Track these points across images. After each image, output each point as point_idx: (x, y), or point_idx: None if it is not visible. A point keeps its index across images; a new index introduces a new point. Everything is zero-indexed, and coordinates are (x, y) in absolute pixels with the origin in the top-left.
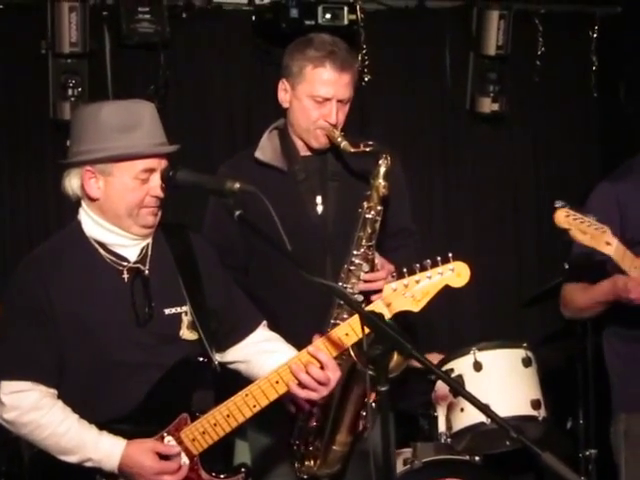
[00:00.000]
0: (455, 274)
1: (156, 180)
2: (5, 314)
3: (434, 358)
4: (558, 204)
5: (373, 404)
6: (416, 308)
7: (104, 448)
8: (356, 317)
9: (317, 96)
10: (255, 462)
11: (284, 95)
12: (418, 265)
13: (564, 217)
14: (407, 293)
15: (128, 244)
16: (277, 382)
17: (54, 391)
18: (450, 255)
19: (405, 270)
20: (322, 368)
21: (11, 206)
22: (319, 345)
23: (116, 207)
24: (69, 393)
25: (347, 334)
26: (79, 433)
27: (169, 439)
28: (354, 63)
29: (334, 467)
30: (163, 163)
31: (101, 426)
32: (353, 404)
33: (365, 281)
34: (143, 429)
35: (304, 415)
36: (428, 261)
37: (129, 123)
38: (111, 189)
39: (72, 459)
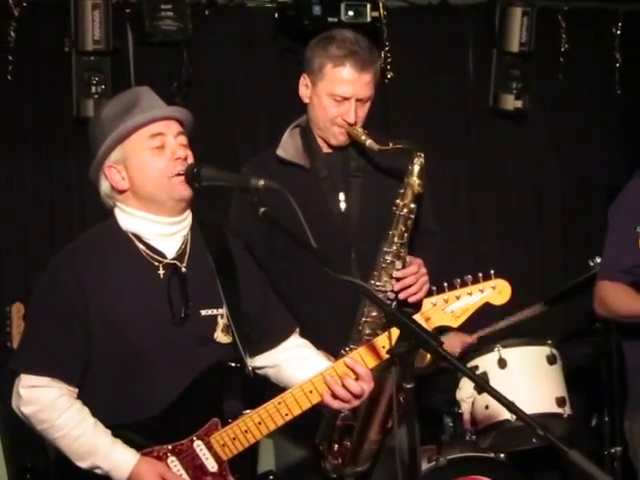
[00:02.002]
0: (496, 292)
1: (172, 142)
2: (35, 306)
3: (458, 338)
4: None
5: (401, 400)
6: (455, 324)
7: (115, 459)
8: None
9: (336, 95)
10: (280, 460)
11: (305, 90)
12: (459, 280)
13: None
14: (447, 308)
15: (166, 232)
16: (311, 392)
17: (74, 389)
18: (492, 272)
19: (445, 285)
20: (357, 379)
21: (34, 204)
22: (357, 357)
23: (145, 187)
24: (94, 391)
25: (384, 347)
26: (92, 439)
27: (198, 443)
28: (375, 61)
29: (364, 465)
30: (173, 126)
31: (127, 427)
32: (385, 402)
33: (397, 278)
34: (172, 432)
35: (331, 414)
36: (469, 277)
37: (126, 106)
38: (133, 171)
39: (82, 464)
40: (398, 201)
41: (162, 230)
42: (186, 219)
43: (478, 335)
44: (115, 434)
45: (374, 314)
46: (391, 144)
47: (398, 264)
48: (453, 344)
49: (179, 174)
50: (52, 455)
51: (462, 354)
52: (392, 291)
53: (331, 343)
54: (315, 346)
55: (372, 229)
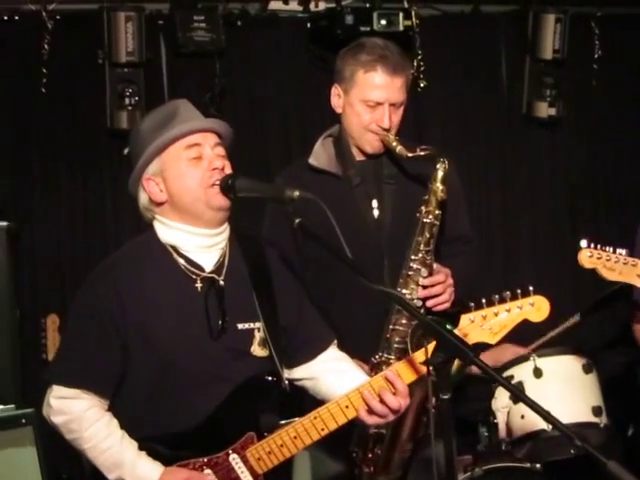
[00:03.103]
0: (535, 308)
1: (208, 153)
2: (73, 320)
3: (508, 349)
4: (583, 244)
5: (433, 410)
6: (492, 341)
7: (141, 472)
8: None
9: (369, 100)
10: (315, 469)
11: (337, 100)
12: (497, 297)
13: (587, 257)
14: (485, 325)
15: (205, 244)
16: (347, 407)
17: (105, 402)
18: (531, 289)
19: (484, 301)
20: (394, 394)
21: (68, 215)
22: (396, 371)
23: (182, 197)
24: (127, 403)
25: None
26: (119, 452)
27: (234, 456)
28: (407, 66)
29: (395, 474)
30: (210, 137)
31: (158, 440)
32: (414, 410)
33: (424, 286)
34: (208, 445)
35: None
36: (507, 293)
37: (164, 119)
38: (171, 183)
39: (110, 476)
40: (422, 208)
41: (201, 242)
42: (224, 232)
43: (532, 347)
44: (145, 447)
45: (403, 322)
46: (418, 150)
47: (424, 271)
48: (506, 355)
49: (215, 184)
50: (86, 465)
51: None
52: (418, 299)
53: (364, 350)
54: (348, 353)
55: (405, 236)
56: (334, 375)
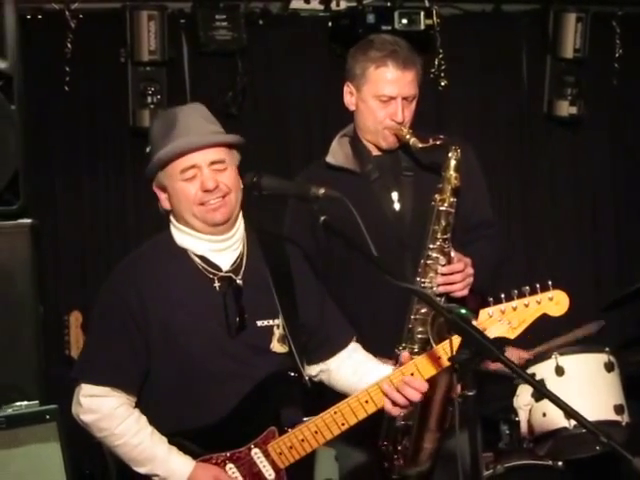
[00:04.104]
0: (553, 303)
1: (204, 173)
2: (96, 317)
3: (514, 353)
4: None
5: (459, 400)
6: (512, 335)
7: (173, 466)
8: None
9: (382, 95)
10: (343, 465)
11: (350, 98)
12: (516, 291)
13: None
14: (503, 320)
15: (216, 248)
16: (367, 402)
17: (133, 398)
18: (549, 283)
19: (502, 296)
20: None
21: (91, 213)
22: (413, 368)
23: (180, 211)
24: (152, 400)
25: (440, 357)
26: (151, 447)
27: (256, 451)
28: (416, 60)
29: (425, 465)
30: (208, 154)
31: (183, 435)
32: (440, 400)
33: (442, 274)
34: (230, 440)
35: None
36: (526, 288)
37: (164, 130)
38: (172, 196)
39: (141, 470)
40: (436, 196)
41: (211, 247)
42: (235, 234)
43: (535, 352)
44: (171, 442)
45: (423, 311)
46: (431, 140)
47: (442, 260)
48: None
49: (202, 204)
50: (111, 462)
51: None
52: (438, 286)
53: (390, 343)
54: (374, 348)
55: (426, 227)
56: (350, 367)
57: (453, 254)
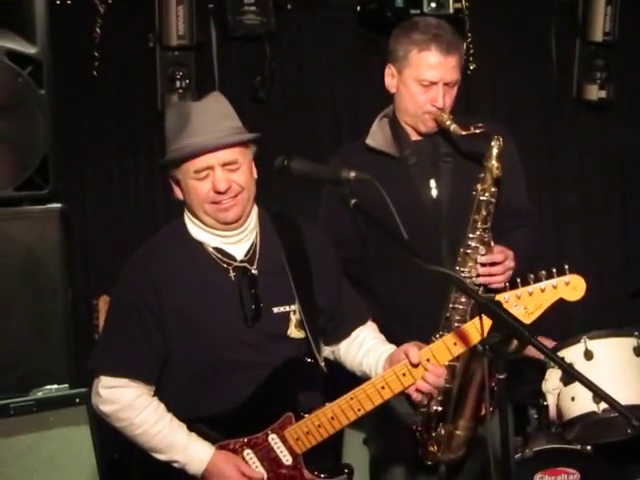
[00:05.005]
0: (570, 287)
1: (216, 174)
2: (112, 307)
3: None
4: None
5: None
6: (528, 320)
7: (193, 453)
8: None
9: (423, 80)
10: (374, 448)
11: (391, 80)
12: (532, 276)
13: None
14: (519, 305)
15: (228, 241)
16: (383, 387)
17: (152, 388)
18: (566, 267)
19: (519, 280)
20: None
21: (120, 197)
22: (428, 354)
23: (193, 207)
24: (170, 388)
25: (456, 343)
26: (170, 434)
27: (273, 437)
28: (460, 45)
29: (458, 452)
30: (220, 154)
31: (202, 421)
32: (475, 388)
33: (482, 264)
34: (247, 426)
35: (426, 400)
36: (543, 272)
37: (177, 127)
38: (185, 192)
39: (161, 457)
40: (478, 185)
41: (223, 240)
42: (247, 227)
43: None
44: (190, 429)
45: (462, 300)
46: (473, 128)
47: (482, 249)
48: None
49: (213, 202)
50: (136, 447)
51: None
52: (477, 276)
53: (428, 329)
54: (412, 333)
55: (463, 214)
56: (357, 346)
57: (493, 245)
